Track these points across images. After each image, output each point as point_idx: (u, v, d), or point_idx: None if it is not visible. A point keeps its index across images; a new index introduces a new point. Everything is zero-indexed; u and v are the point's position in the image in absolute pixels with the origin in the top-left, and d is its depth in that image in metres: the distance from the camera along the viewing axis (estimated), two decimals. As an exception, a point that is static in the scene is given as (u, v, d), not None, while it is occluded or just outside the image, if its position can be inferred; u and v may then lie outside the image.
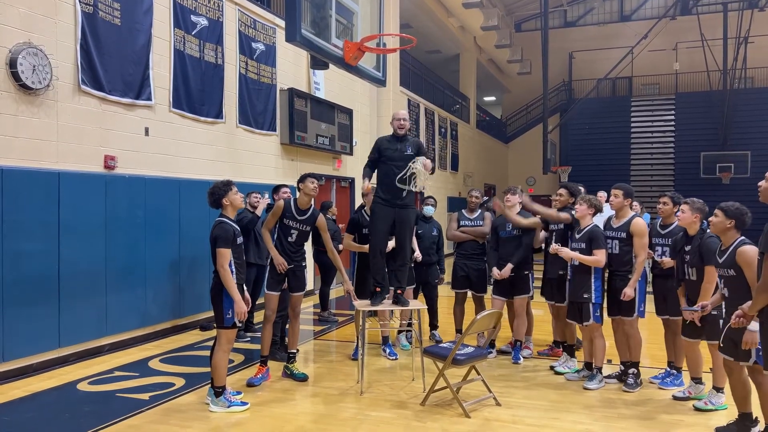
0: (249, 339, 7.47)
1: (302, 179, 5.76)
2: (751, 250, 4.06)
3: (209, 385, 5.09)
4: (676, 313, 5.36)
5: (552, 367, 6.15)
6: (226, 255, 4.83)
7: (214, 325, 5.10)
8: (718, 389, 4.98)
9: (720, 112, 24.59)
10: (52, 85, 6.23)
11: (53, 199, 6.24)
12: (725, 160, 24.33)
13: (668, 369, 5.67)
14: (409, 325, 7.06)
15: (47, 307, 6.19)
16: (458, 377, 5.29)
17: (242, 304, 4.89)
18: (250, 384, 5.59)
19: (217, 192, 5.00)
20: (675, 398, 5.22)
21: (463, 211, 7.16)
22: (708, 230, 4.69)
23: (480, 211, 7.06)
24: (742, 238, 4.25)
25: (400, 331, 7.20)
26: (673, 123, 26.71)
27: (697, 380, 5.21)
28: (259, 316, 7.62)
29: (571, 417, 4.85)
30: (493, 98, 32.42)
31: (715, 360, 4.87)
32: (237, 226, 5.04)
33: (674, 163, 26.40)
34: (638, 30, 25.08)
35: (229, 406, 4.93)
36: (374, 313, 6.49)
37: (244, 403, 5.02)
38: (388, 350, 6.73)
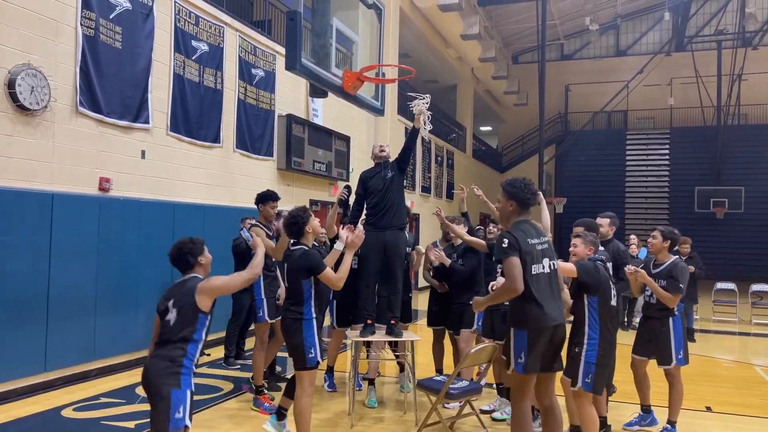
0: (239, 367, 7.35)
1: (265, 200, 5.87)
2: None
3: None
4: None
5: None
6: (329, 275, 4.42)
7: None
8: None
9: (714, 147, 24.80)
10: (49, 106, 6.22)
11: (46, 220, 6.18)
12: (719, 195, 24.42)
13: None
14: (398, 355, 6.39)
15: (35, 329, 6.08)
16: (452, 412, 5.19)
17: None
18: (269, 410, 5.43)
19: (300, 220, 4.54)
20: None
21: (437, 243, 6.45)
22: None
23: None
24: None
25: (401, 370, 6.61)
26: (667, 157, 26.92)
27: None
28: (249, 343, 7.53)
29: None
30: (489, 128, 32.64)
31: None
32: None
33: (669, 197, 26.53)
34: (634, 65, 25.43)
35: None
36: (368, 344, 6.18)
37: None
38: (328, 380, 6.42)
